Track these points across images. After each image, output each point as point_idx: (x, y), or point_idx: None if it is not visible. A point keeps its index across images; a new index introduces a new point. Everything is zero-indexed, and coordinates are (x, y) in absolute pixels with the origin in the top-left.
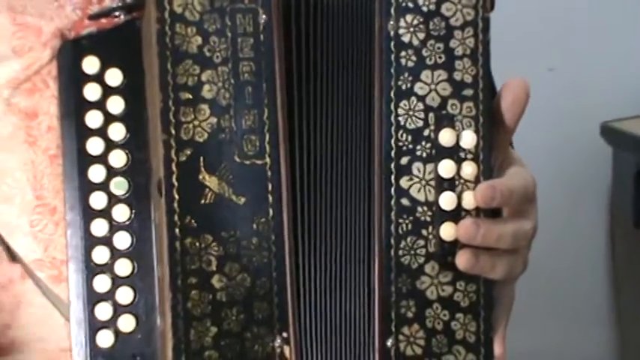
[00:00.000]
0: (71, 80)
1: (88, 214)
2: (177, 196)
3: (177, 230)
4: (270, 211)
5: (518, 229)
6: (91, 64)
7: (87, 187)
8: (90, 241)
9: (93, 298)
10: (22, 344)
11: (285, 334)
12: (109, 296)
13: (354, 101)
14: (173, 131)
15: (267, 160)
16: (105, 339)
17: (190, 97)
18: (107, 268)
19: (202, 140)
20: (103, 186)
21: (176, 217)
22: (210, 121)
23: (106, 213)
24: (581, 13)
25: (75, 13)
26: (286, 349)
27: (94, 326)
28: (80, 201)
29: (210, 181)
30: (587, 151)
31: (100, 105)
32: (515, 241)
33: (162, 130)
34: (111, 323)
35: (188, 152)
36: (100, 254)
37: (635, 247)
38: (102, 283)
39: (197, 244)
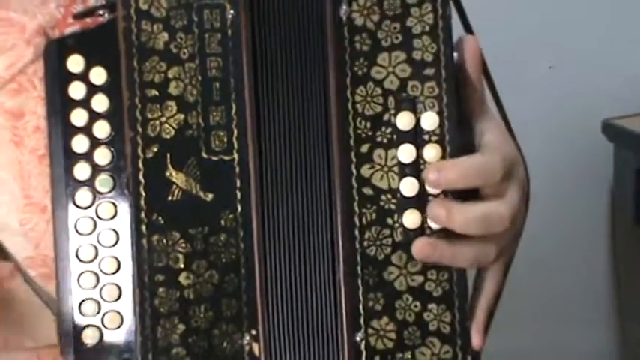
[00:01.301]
0: (57, 79)
1: (75, 211)
2: (143, 194)
3: (143, 227)
4: (239, 207)
5: (489, 212)
6: (75, 63)
7: (73, 185)
8: (76, 238)
9: (79, 295)
10: (13, 342)
11: (254, 332)
12: (95, 293)
13: (311, 93)
14: (140, 128)
15: (235, 156)
16: (91, 336)
17: (157, 94)
18: (93, 265)
19: (169, 137)
20: (89, 184)
21: (143, 215)
22: (178, 118)
23: (91, 211)
24: (582, 10)
25: (58, 11)
26: (255, 347)
27: (80, 322)
28: (67, 199)
29: (178, 178)
30: (588, 148)
31: (85, 103)
32: (486, 226)
33: (128, 128)
34: (97, 320)
35: (155, 149)
36: (86, 252)
37: (636, 244)
38: (88, 280)
39: (164, 241)
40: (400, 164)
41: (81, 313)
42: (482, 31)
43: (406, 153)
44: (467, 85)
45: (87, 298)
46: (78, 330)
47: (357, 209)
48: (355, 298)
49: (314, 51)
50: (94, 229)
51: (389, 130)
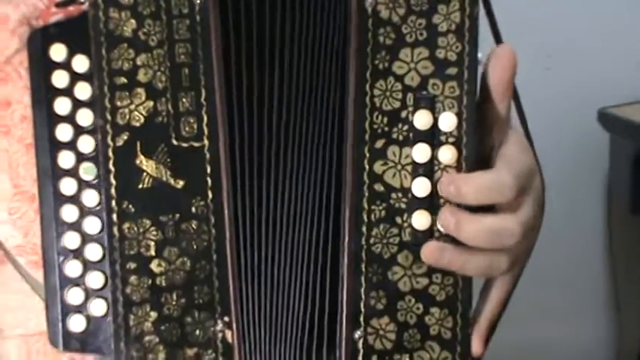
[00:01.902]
0: (40, 68)
1: (59, 200)
2: (114, 182)
3: (114, 216)
4: (210, 194)
5: (500, 226)
6: (58, 52)
7: (57, 173)
8: (61, 227)
9: (65, 283)
10: (3, 330)
11: (226, 319)
12: (80, 281)
13: (291, 77)
14: (109, 116)
15: (206, 142)
16: (77, 323)
17: (126, 81)
18: (78, 253)
19: (139, 124)
20: (73, 172)
21: (113, 203)
22: (147, 105)
23: (75, 199)
24: (580, 2)
25: (41, 1)
26: (228, 334)
27: (66, 310)
28: (52, 187)
29: (148, 165)
30: (584, 137)
31: (68, 92)
32: (495, 240)
33: (98, 116)
34: (83, 307)
35: (125, 137)
36: (71, 239)
37: (632, 234)
38: (73, 268)
39: (135, 229)
40: (414, 163)
41: (68, 300)
42: (484, 38)
43: (421, 152)
44: (494, 94)
45: (73, 286)
46: (65, 317)
47: (366, 205)
48: (357, 295)
49: (326, 39)
50: (80, 217)
51: (405, 127)
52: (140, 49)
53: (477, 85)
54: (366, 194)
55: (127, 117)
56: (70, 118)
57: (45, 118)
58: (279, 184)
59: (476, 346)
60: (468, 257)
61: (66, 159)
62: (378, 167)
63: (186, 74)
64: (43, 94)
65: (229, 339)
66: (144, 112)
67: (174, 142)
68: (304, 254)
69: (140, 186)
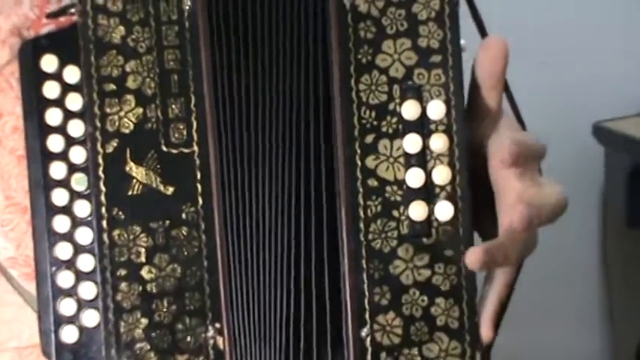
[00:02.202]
0: (31, 79)
1: (51, 210)
2: (103, 189)
3: (104, 223)
4: (200, 200)
5: (560, 196)
6: (49, 63)
7: (49, 184)
8: (53, 238)
9: (57, 294)
10: None
11: (218, 325)
12: (72, 292)
13: (299, 81)
14: (98, 124)
15: (195, 148)
16: (70, 334)
17: (115, 88)
18: (70, 264)
19: (128, 131)
20: (65, 182)
21: (103, 210)
22: (136, 112)
23: (67, 209)
24: (573, 12)
25: (33, 12)
26: (220, 340)
27: (59, 321)
28: (43, 198)
29: (138, 172)
30: (579, 151)
31: (59, 102)
32: (539, 217)
33: (87, 123)
34: (75, 318)
35: (114, 144)
36: (63, 250)
37: (627, 247)
38: (66, 278)
39: (125, 235)
40: (406, 154)
41: (60, 311)
42: (473, 33)
43: (412, 143)
44: (484, 87)
45: (65, 297)
46: (57, 328)
47: (361, 201)
48: (360, 292)
49: (305, 38)
50: (72, 228)
51: (394, 119)
52: (129, 56)
53: (462, 72)
54: (361, 190)
55: (117, 124)
56: (61, 129)
57: (36, 129)
58: (270, 189)
59: (485, 332)
60: (509, 247)
61: (57, 170)
62: (370, 162)
63: (175, 80)
64: (34, 104)
65: (220, 345)
66: (133, 119)
67: (164, 148)
68: (295, 259)
69: (130, 192)
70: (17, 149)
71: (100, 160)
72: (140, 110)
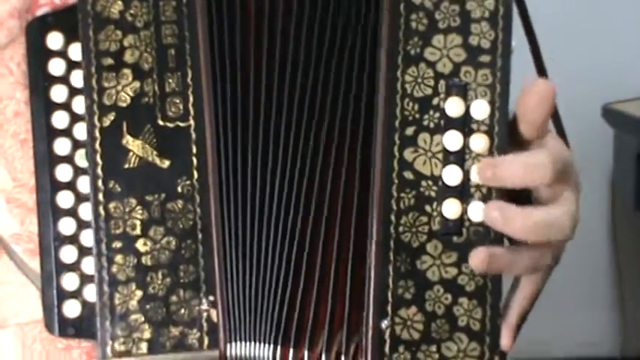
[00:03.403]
0: (37, 56)
1: (55, 186)
2: (100, 162)
3: (100, 195)
4: (195, 174)
5: (549, 219)
6: (54, 40)
7: (54, 160)
8: (57, 213)
9: (60, 269)
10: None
11: (212, 298)
12: (75, 267)
13: (283, 57)
14: (96, 97)
15: (192, 122)
16: (72, 308)
17: (113, 62)
18: (74, 239)
19: (125, 105)
20: (69, 158)
21: (100, 183)
22: (133, 86)
23: (71, 185)
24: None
25: None
26: (213, 313)
27: (61, 296)
28: (48, 174)
29: (134, 145)
30: (588, 133)
31: (64, 79)
32: (546, 233)
33: (85, 97)
34: (78, 293)
35: (111, 117)
36: (67, 225)
37: (636, 230)
38: (69, 253)
39: (121, 208)
40: (445, 151)
41: (63, 286)
42: (521, 35)
43: (452, 140)
44: (526, 123)
45: (68, 272)
46: (60, 303)
47: (395, 193)
48: (384, 284)
49: (290, 18)
50: (75, 203)
51: (437, 114)
52: (127, 31)
53: (509, 74)
54: (396, 182)
55: (114, 98)
56: (66, 106)
57: (42, 106)
58: (266, 164)
59: (505, 340)
60: (516, 257)
61: (62, 146)
62: (408, 155)
63: (172, 55)
64: (40, 82)
65: (214, 318)
66: (130, 93)
67: (160, 122)
68: (291, 232)
69: (126, 166)
70: (19, 133)
71: (97, 134)
72: (137, 84)
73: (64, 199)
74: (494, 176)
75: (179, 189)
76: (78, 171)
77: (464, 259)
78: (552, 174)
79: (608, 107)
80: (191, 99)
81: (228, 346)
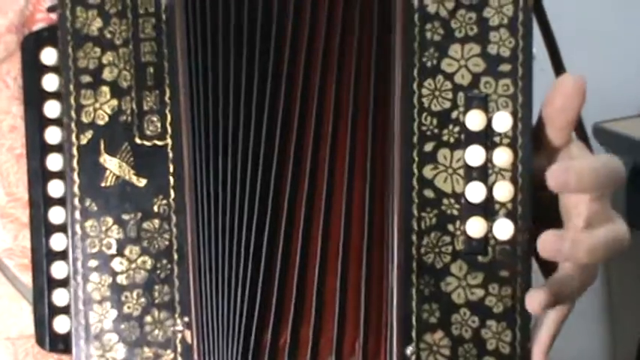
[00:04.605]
0: (32, 71)
1: (47, 202)
2: (77, 180)
3: (77, 214)
4: (172, 193)
5: (614, 235)
6: (48, 55)
7: (47, 176)
8: (49, 229)
9: (51, 285)
10: None
11: (186, 319)
12: (66, 282)
13: (258, 75)
14: (74, 115)
15: (169, 140)
16: (62, 324)
17: (91, 80)
18: (65, 255)
19: (103, 123)
20: (61, 174)
21: (76, 201)
22: (111, 104)
23: (63, 201)
24: (573, 15)
25: (27, 8)
26: (187, 334)
27: (52, 311)
28: (41, 189)
29: (111, 164)
30: None
31: (57, 95)
32: (612, 250)
33: (64, 114)
34: (68, 309)
35: (89, 135)
36: (58, 241)
37: (627, 247)
38: (60, 269)
39: (97, 226)
40: (467, 167)
41: (53, 302)
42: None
43: (474, 155)
44: (552, 125)
45: (59, 288)
46: (51, 319)
47: (415, 212)
48: (408, 308)
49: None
50: (66, 220)
51: (457, 128)
52: (106, 48)
53: (532, 83)
54: (416, 201)
55: (92, 115)
56: (59, 121)
57: (36, 121)
58: (243, 185)
59: None
60: (574, 283)
61: (55, 161)
62: (428, 172)
63: (151, 73)
64: (34, 97)
65: (188, 339)
66: (108, 111)
67: (138, 140)
68: (264, 255)
69: (103, 184)
70: (15, 148)
71: (75, 152)
72: (115, 102)
73: (56, 214)
74: (579, 181)
75: (155, 208)
76: None
77: (490, 279)
78: (623, 179)
79: (599, 126)
80: (169, 117)
81: None
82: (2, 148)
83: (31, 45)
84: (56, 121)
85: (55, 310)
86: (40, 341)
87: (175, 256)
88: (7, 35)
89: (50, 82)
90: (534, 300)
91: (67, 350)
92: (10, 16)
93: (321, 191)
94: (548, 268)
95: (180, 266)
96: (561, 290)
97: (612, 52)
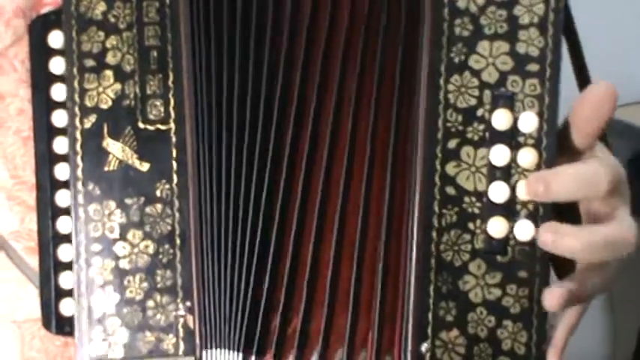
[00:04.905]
0: (39, 55)
1: (54, 184)
2: (80, 164)
3: (80, 197)
4: (175, 178)
5: (615, 236)
6: (56, 38)
7: (53, 159)
8: (56, 212)
9: (58, 267)
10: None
11: (188, 303)
12: (72, 265)
13: (263, 63)
14: (77, 99)
15: (172, 125)
16: (69, 307)
17: (94, 64)
18: (71, 238)
19: (107, 107)
20: (68, 158)
21: (80, 185)
22: (115, 88)
23: (69, 184)
24: (575, 3)
25: None
26: (190, 319)
27: (58, 294)
28: (48, 172)
29: (114, 148)
30: None
31: (64, 78)
32: (614, 250)
33: (67, 98)
34: (74, 291)
35: (92, 119)
36: (65, 224)
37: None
38: (66, 252)
39: (100, 210)
40: (490, 166)
41: (60, 285)
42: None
43: (499, 154)
44: (578, 133)
45: (65, 270)
46: (57, 301)
47: (436, 209)
48: (425, 304)
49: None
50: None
51: (482, 126)
52: (109, 32)
53: (559, 84)
54: (437, 197)
55: (95, 99)
56: (66, 105)
57: (43, 105)
58: (250, 170)
59: None
60: (588, 284)
61: (61, 145)
62: (450, 169)
63: (154, 57)
64: (41, 80)
65: (190, 324)
66: (112, 95)
67: (141, 125)
68: (273, 240)
69: (106, 168)
70: (22, 130)
71: (78, 135)
72: (119, 86)
73: (63, 197)
74: (547, 191)
75: (158, 193)
76: None
77: (508, 279)
78: (607, 187)
79: None
80: (172, 102)
81: (204, 352)
82: (9, 131)
83: (38, 28)
84: (63, 104)
85: (62, 293)
86: (46, 324)
87: (178, 241)
88: (15, 19)
89: (57, 65)
90: (554, 297)
91: (73, 333)
92: (19, 0)
93: (339, 179)
94: (564, 270)
95: (183, 251)
96: (580, 289)
97: (611, 40)
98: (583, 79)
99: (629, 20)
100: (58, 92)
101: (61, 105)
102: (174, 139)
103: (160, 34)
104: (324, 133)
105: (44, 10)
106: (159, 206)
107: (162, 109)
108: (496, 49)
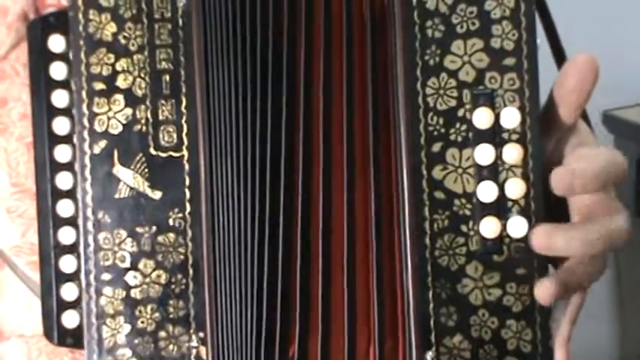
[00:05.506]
0: (39, 58)
1: (56, 194)
2: (90, 190)
3: (90, 225)
4: (188, 206)
5: (609, 229)
6: (56, 43)
7: (54, 168)
8: (57, 222)
9: (60, 279)
10: (3, 334)
11: (201, 334)
12: (74, 276)
13: (283, 84)
14: (87, 123)
15: (185, 152)
16: (71, 319)
17: (104, 87)
18: (73, 249)
19: (117, 132)
20: (69, 166)
21: (89, 212)
22: (125, 112)
23: (71, 193)
24: (581, 2)
25: None
26: (202, 350)
27: (61, 306)
28: (49, 181)
29: (125, 175)
30: None
31: (65, 84)
32: (610, 242)
33: (75, 122)
34: (76, 303)
35: (102, 145)
36: (66, 235)
37: (636, 236)
38: (68, 263)
39: (111, 239)
40: (477, 166)
41: (62, 296)
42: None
43: (484, 153)
44: (563, 105)
45: (67, 281)
46: (59, 313)
47: (427, 215)
48: (425, 312)
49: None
50: (76, 212)
51: (464, 127)
52: (120, 54)
53: (537, 75)
54: (427, 203)
55: (105, 124)
56: (67, 112)
57: (43, 111)
58: (263, 198)
59: (560, 356)
60: (581, 275)
61: (63, 153)
62: (437, 173)
63: (166, 81)
64: (42, 86)
65: (203, 356)
66: (122, 120)
67: (153, 151)
68: (280, 270)
69: (117, 196)
70: (25, 136)
71: (87, 161)
72: (129, 111)
73: (64, 207)
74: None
75: (170, 222)
76: (77, 179)
77: (507, 278)
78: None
79: (608, 114)
80: (185, 128)
81: None
82: (12, 137)
83: (37, 31)
84: (64, 111)
85: (64, 305)
86: (48, 335)
87: (191, 271)
88: (17, 22)
89: (58, 70)
90: (543, 290)
91: (75, 345)
92: (22, 2)
93: (341, 201)
94: (562, 260)
95: (196, 282)
96: (569, 279)
97: (621, 40)
98: (561, 60)
99: (634, 23)
100: (60, 98)
101: (62, 111)
102: (187, 167)
103: (172, 58)
104: (316, 152)
105: (46, 11)
106: (171, 235)
107: (174, 136)
108: (470, 47)
